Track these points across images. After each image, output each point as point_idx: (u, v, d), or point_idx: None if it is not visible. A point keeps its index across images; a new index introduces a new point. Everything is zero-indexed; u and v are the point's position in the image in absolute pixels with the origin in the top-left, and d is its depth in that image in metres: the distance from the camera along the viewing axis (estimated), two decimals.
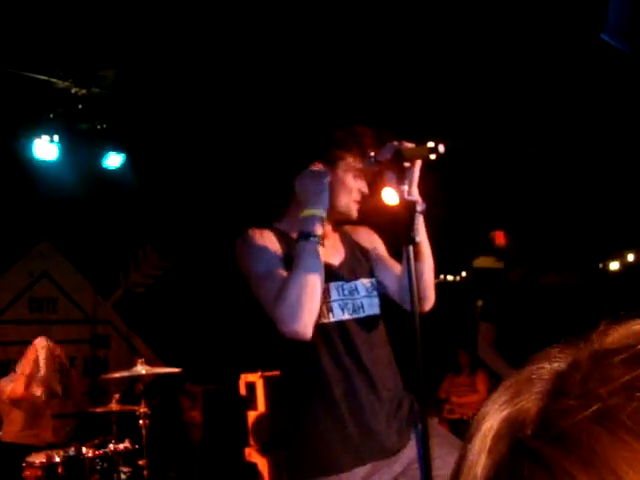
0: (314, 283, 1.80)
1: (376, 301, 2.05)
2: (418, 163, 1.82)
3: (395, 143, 1.80)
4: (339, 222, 2.12)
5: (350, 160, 2.00)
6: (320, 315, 1.89)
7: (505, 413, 0.42)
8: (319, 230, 1.85)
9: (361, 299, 2.00)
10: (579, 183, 6.41)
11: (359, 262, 2.09)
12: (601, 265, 7.94)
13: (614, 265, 7.89)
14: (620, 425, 0.37)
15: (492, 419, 0.43)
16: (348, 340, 1.93)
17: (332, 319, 1.92)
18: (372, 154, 1.89)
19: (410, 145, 1.79)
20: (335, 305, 1.94)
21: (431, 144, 1.70)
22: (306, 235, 1.84)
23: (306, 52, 4.11)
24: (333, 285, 1.95)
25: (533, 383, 0.43)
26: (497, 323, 3.61)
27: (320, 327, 1.89)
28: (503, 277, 4.02)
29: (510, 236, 4.04)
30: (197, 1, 3.67)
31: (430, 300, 2.03)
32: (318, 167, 1.96)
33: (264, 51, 4.12)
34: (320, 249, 1.89)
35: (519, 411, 0.42)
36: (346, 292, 1.98)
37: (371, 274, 2.09)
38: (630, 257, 7.87)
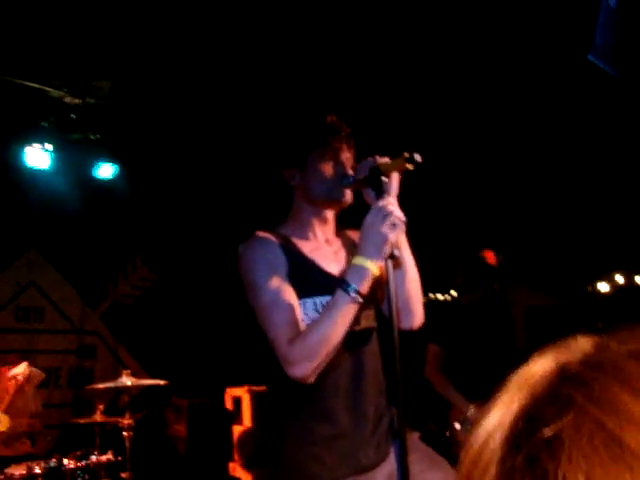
0: (337, 337, 1.75)
1: (372, 313, 2.01)
2: (395, 176, 1.82)
3: (370, 159, 1.82)
4: (337, 211, 2.06)
5: (321, 151, 1.96)
6: None
7: (552, 362, 0.48)
8: (364, 285, 1.74)
9: (357, 312, 1.93)
10: (567, 204, 6.46)
11: None
12: (590, 287, 7.97)
13: (603, 287, 7.92)
14: None
15: (540, 364, 0.49)
16: (340, 356, 1.87)
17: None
18: (350, 173, 1.91)
19: (385, 159, 1.80)
20: None
21: (407, 154, 1.71)
22: (347, 286, 1.73)
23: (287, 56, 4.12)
24: (327, 300, 1.88)
25: (574, 345, 0.49)
26: (446, 346, 3.65)
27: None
28: (455, 301, 4.07)
29: (461, 265, 4.07)
30: (191, 13, 3.70)
31: (418, 315, 2.01)
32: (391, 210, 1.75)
33: (254, 59, 4.14)
34: (326, 256, 1.92)
35: (566, 357, 0.48)
36: None
37: None
38: (619, 278, 7.90)
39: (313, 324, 1.78)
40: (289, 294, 1.83)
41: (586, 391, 0.43)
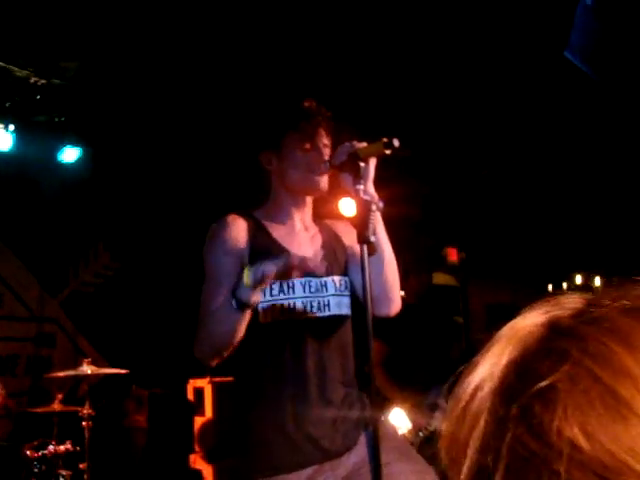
0: (222, 336, 1.79)
1: (345, 300, 2.00)
2: (373, 161, 1.82)
3: (347, 144, 1.81)
4: (315, 196, 2.07)
5: (296, 135, 1.96)
6: (280, 312, 1.87)
7: (542, 316, 0.49)
8: (249, 299, 1.75)
9: (328, 297, 1.95)
10: (531, 205, 6.56)
11: (334, 258, 2.04)
12: (550, 286, 8.13)
13: (563, 286, 8.09)
14: None
15: (529, 318, 0.49)
16: (306, 339, 1.90)
17: (289, 317, 1.89)
18: (326, 159, 1.91)
19: (363, 144, 1.79)
20: (298, 302, 1.90)
21: (385, 139, 1.71)
22: (233, 292, 1.76)
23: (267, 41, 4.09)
24: (299, 281, 1.91)
25: (564, 301, 0.50)
26: (388, 342, 3.77)
27: (278, 324, 1.87)
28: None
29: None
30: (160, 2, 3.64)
31: (395, 302, 2.01)
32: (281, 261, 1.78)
33: (231, 41, 4.09)
34: (294, 242, 1.94)
35: (557, 312, 0.48)
36: (313, 289, 1.93)
37: (345, 272, 2.04)
38: (578, 279, 8.08)
39: (210, 315, 1.81)
40: (227, 278, 1.84)
41: (581, 345, 0.44)
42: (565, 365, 0.43)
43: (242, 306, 1.73)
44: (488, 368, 0.48)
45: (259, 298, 1.79)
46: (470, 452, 0.46)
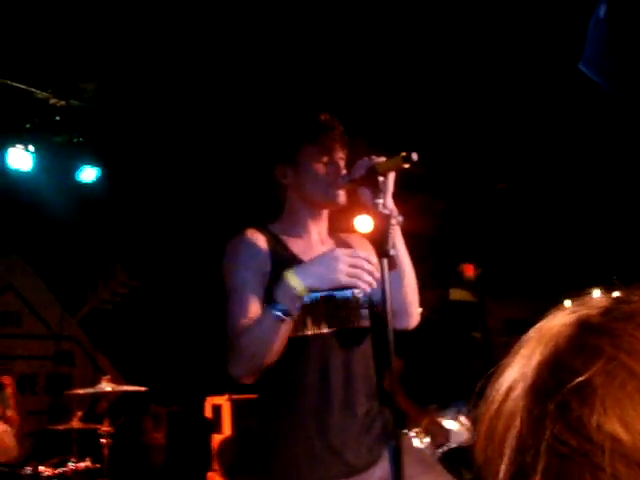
0: (264, 350, 1.74)
1: (365, 313, 1.99)
2: (392, 175, 1.82)
3: (366, 159, 1.81)
4: (331, 210, 2.06)
5: (314, 149, 1.95)
6: (302, 327, 1.86)
7: (571, 316, 0.49)
8: (292, 303, 1.71)
9: (349, 310, 1.94)
10: (547, 219, 6.53)
11: None
12: (569, 302, 8.03)
13: None
14: None
15: (558, 318, 0.50)
16: (329, 354, 1.89)
17: (315, 331, 1.87)
18: (345, 173, 1.91)
19: (382, 159, 1.80)
20: (320, 317, 1.89)
21: (404, 153, 1.71)
22: (274, 303, 1.71)
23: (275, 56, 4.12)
24: (321, 295, 1.89)
25: (590, 300, 0.51)
26: (405, 358, 3.74)
27: (301, 340, 1.86)
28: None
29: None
30: (178, 12, 3.69)
31: (413, 316, 2.01)
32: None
33: (245, 58, 4.13)
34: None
35: (585, 311, 0.49)
36: (334, 303, 1.92)
37: None
38: (596, 294, 7.99)
39: (246, 331, 1.76)
40: (255, 293, 1.83)
41: (614, 341, 0.44)
42: (600, 361, 0.44)
43: (289, 315, 1.70)
44: (519, 368, 0.49)
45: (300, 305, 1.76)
46: (507, 452, 0.46)
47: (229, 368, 1.78)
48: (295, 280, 1.69)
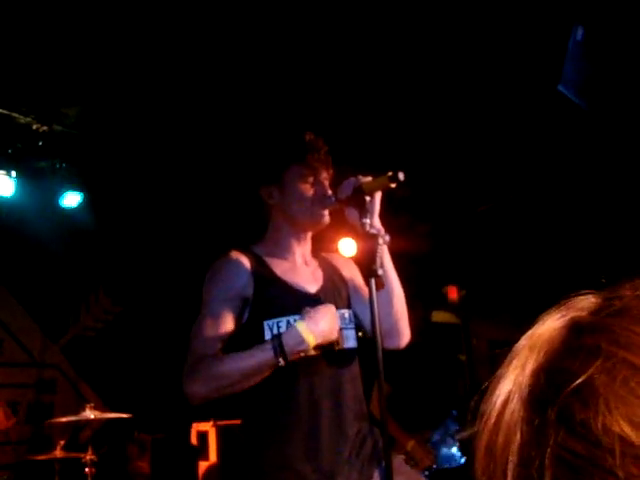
0: (240, 382, 1.75)
1: (352, 333, 1.99)
2: (378, 195, 1.83)
3: (353, 179, 1.82)
4: (315, 231, 2.06)
5: (299, 169, 1.96)
6: None
7: (560, 319, 0.47)
8: (294, 353, 1.72)
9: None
10: (530, 240, 6.58)
11: (337, 291, 2.03)
12: None
13: None
14: None
15: (547, 324, 0.48)
16: (317, 376, 1.87)
17: (301, 354, 1.85)
18: (330, 193, 1.92)
19: (368, 178, 1.81)
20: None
21: (390, 173, 1.72)
22: (278, 346, 1.71)
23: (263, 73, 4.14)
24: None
25: (578, 302, 0.48)
26: (390, 381, 3.73)
27: (288, 363, 1.84)
28: None
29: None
30: (159, 37, 3.70)
31: (404, 335, 2.00)
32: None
33: (224, 84, 4.14)
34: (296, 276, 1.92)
35: (575, 312, 0.47)
36: None
37: (349, 304, 2.03)
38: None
39: (229, 358, 1.76)
40: (227, 317, 1.83)
41: (611, 337, 0.43)
42: (598, 359, 0.42)
43: (287, 361, 1.71)
44: (514, 379, 0.46)
45: None
46: (510, 467, 0.43)
47: (190, 386, 1.76)
48: (309, 336, 1.70)
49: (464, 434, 3.66)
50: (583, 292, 0.50)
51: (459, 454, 3.75)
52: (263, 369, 1.72)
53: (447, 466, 3.74)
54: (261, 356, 1.72)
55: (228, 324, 1.84)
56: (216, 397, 1.78)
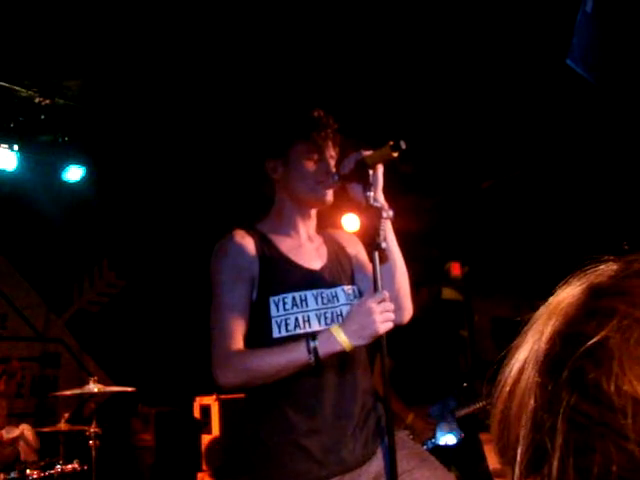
0: (270, 377, 1.76)
1: None
2: (381, 168, 1.81)
3: (355, 153, 1.80)
4: (319, 208, 2.05)
5: (305, 145, 1.94)
6: (295, 325, 1.85)
7: (580, 286, 0.47)
8: (327, 354, 1.73)
9: (340, 307, 1.92)
10: (534, 217, 6.56)
11: (342, 268, 2.02)
12: None
13: None
14: None
15: (566, 291, 0.47)
16: None
17: (307, 329, 1.85)
18: (334, 171, 1.90)
19: (370, 152, 1.78)
20: (312, 315, 1.88)
21: (391, 142, 1.70)
22: (313, 346, 1.72)
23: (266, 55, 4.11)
24: (311, 293, 1.89)
25: (598, 268, 0.48)
26: (393, 356, 3.73)
27: (292, 339, 1.83)
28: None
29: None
30: (164, 9, 3.66)
31: (407, 310, 1.99)
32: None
33: (232, 58, 4.10)
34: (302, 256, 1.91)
35: (595, 277, 0.47)
36: (325, 300, 1.91)
37: (353, 281, 2.03)
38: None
39: (263, 354, 1.78)
40: (244, 303, 1.85)
41: (627, 299, 0.42)
42: (613, 320, 0.41)
43: (317, 360, 1.72)
44: (530, 346, 0.46)
45: None
46: (523, 433, 0.43)
47: (220, 377, 1.77)
48: (342, 336, 1.71)
49: (463, 411, 3.67)
50: (604, 258, 0.49)
51: (458, 431, 3.77)
52: (295, 367, 1.75)
53: (445, 443, 3.76)
54: (294, 356, 1.74)
55: (246, 311, 1.85)
56: (250, 386, 1.83)
